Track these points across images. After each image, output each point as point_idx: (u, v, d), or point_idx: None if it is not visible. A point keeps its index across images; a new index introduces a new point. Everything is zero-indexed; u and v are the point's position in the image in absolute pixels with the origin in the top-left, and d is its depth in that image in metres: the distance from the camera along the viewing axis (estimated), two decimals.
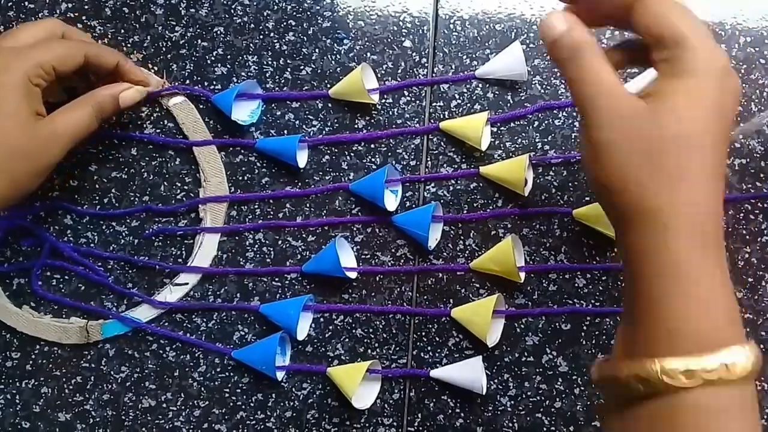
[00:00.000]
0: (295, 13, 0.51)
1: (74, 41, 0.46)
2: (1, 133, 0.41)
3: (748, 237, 0.48)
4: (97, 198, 0.50)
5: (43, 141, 0.43)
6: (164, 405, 0.49)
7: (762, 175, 0.49)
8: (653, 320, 0.32)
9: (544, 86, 0.50)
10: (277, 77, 0.50)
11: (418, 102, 0.50)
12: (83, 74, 0.47)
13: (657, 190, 0.32)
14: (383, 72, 0.50)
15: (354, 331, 0.49)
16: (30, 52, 0.43)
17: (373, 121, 0.50)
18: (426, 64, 0.50)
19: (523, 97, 0.50)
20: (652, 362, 0.31)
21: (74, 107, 0.45)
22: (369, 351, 0.49)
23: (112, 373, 0.49)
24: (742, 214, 0.48)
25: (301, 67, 0.50)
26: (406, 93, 0.50)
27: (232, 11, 0.51)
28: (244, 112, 0.50)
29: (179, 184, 0.50)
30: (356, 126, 0.50)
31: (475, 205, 0.49)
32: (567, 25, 0.34)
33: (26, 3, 0.51)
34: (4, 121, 0.41)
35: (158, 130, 0.50)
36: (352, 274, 0.48)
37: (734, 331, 0.32)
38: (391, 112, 0.50)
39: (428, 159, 0.50)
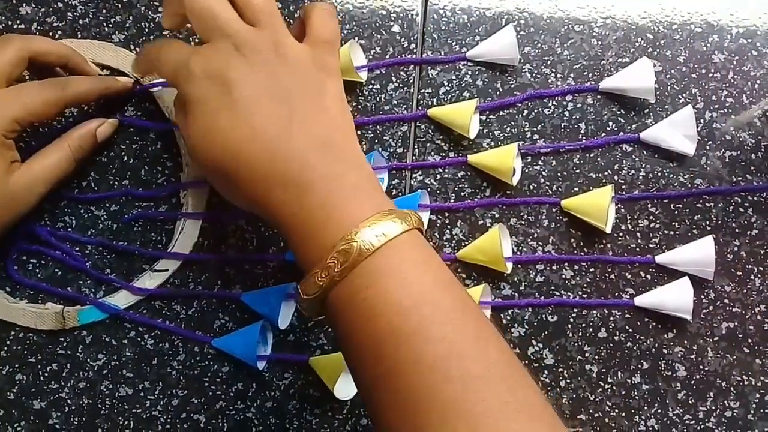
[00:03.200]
0: None
1: (50, 86, 0.44)
2: None
3: (737, 230, 0.48)
4: (76, 181, 0.49)
5: (21, 192, 0.43)
6: (142, 394, 0.48)
7: (752, 168, 0.48)
8: (325, 220, 0.35)
9: (534, 75, 0.49)
10: None
11: (405, 88, 0.49)
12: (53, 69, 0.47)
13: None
14: (371, 57, 0.49)
15: None
16: (5, 107, 0.42)
17: (360, 106, 0.49)
18: (415, 50, 0.49)
19: (512, 85, 0.49)
20: (347, 235, 0.34)
21: (51, 151, 0.45)
22: None
23: (88, 360, 0.48)
24: (731, 207, 0.48)
25: None
26: (394, 79, 0.49)
27: None
28: None
29: (160, 168, 0.49)
30: None
31: (462, 194, 0.48)
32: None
33: None
34: None
35: (139, 113, 0.49)
36: None
37: (386, 199, 0.38)
38: (378, 98, 0.49)
39: (415, 146, 0.49)
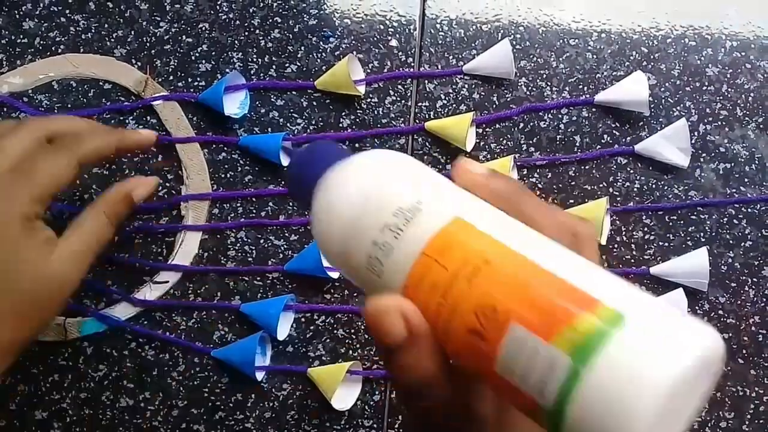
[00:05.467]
0: (281, 10, 0.51)
1: (59, 152, 0.40)
2: (25, 281, 0.38)
3: (731, 242, 0.48)
4: (77, 194, 0.50)
5: (65, 270, 0.39)
6: (142, 404, 0.48)
7: (746, 180, 0.49)
8: None
9: (530, 88, 0.50)
10: (261, 74, 0.50)
11: (403, 101, 0.50)
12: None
13: None
14: (369, 71, 0.50)
15: (335, 331, 0.48)
16: (20, 188, 0.38)
17: (358, 120, 0.50)
18: (412, 64, 0.50)
19: (508, 99, 0.50)
20: None
21: (86, 220, 0.41)
22: (350, 352, 0.48)
23: (89, 371, 0.48)
24: (725, 219, 0.48)
25: (287, 65, 0.50)
26: (391, 92, 0.50)
27: (218, 7, 0.51)
28: (234, 105, 0.49)
29: (161, 181, 0.50)
30: (341, 125, 0.50)
31: None
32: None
33: None
34: (20, 271, 0.38)
35: (140, 126, 0.50)
36: (335, 274, 0.48)
37: None
38: (376, 112, 0.50)
39: None
